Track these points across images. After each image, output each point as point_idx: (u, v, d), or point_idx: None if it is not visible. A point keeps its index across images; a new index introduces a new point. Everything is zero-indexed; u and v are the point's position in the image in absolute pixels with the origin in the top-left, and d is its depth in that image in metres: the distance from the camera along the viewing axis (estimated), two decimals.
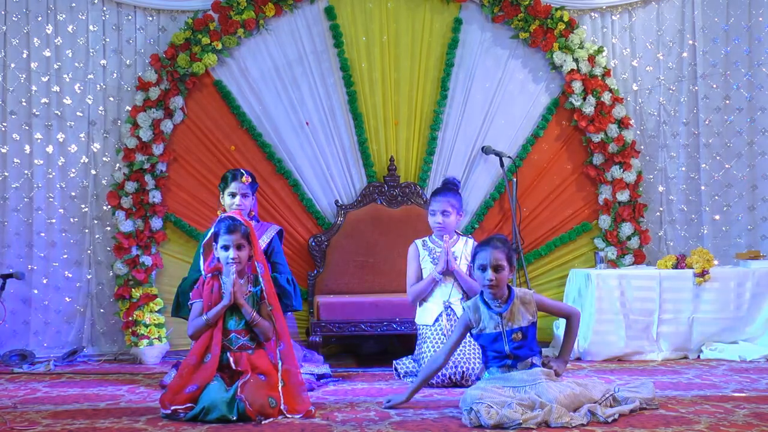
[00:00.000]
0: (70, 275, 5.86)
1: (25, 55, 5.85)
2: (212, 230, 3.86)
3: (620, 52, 6.36)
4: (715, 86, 6.29)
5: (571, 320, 3.86)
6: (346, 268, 5.90)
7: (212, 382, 3.55)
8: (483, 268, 3.64)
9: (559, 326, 5.56)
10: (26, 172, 5.85)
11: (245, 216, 4.56)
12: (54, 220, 5.86)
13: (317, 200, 6.09)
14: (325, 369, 4.69)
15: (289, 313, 4.81)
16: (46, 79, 5.87)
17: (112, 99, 5.96)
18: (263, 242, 4.56)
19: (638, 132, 6.29)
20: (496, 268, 3.62)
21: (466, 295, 4.64)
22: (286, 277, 4.53)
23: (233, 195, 4.53)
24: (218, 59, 5.93)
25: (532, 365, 3.64)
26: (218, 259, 3.79)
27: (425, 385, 3.91)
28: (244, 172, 4.58)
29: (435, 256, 4.71)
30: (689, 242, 6.25)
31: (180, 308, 4.51)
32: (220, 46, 5.90)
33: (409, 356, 4.75)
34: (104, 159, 5.94)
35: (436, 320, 4.60)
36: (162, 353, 5.65)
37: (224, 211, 4.46)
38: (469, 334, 3.78)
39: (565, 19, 6.15)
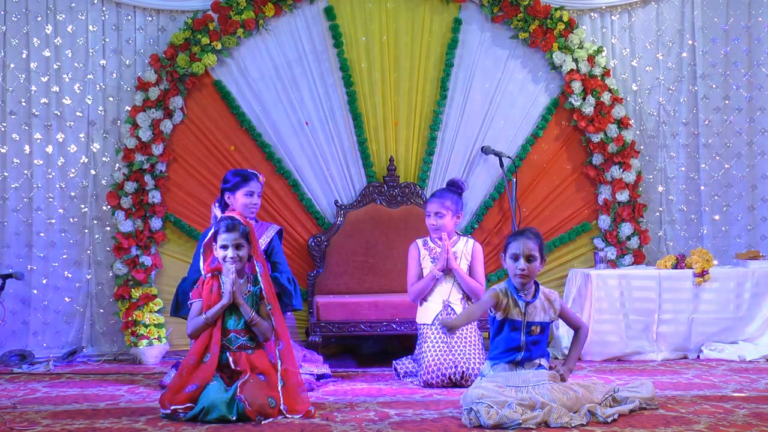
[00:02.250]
0: (70, 275, 5.86)
1: (24, 55, 5.85)
2: (212, 230, 3.86)
3: (620, 52, 6.37)
4: (714, 86, 6.30)
5: (580, 332, 3.88)
6: (346, 268, 5.90)
7: (212, 382, 3.54)
8: (515, 258, 3.67)
9: (559, 327, 5.56)
10: (26, 172, 5.85)
11: (254, 216, 4.61)
12: (53, 220, 5.86)
13: (317, 200, 6.09)
14: (324, 369, 4.69)
15: (289, 313, 4.81)
16: (45, 79, 5.86)
17: (111, 99, 5.96)
18: (263, 242, 4.58)
19: (638, 132, 6.29)
20: (529, 258, 3.65)
21: (466, 296, 4.65)
22: (287, 276, 4.54)
23: (251, 194, 4.57)
24: (218, 59, 5.93)
25: (539, 366, 3.65)
26: (218, 259, 3.79)
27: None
28: (257, 173, 4.68)
29: (435, 255, 4.71)
30: (689, 242, 6.25)
31: (179, 308, 4.52)
32: (219, 46, 5.90)
33: (409, 356, 4.76)
34: (104, 159, 5.94)
35: (436, 319, 4.60)
36: (162, 353, 5.65)
37: (233, 211, 4.50)
38: (490, 315, 3.76)
39: (565, 19, 6.15)
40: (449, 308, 4.62)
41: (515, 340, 3.67)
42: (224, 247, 3.74)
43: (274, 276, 4.46)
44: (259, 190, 4.62)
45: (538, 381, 3.51)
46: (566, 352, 5.34)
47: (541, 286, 3.77)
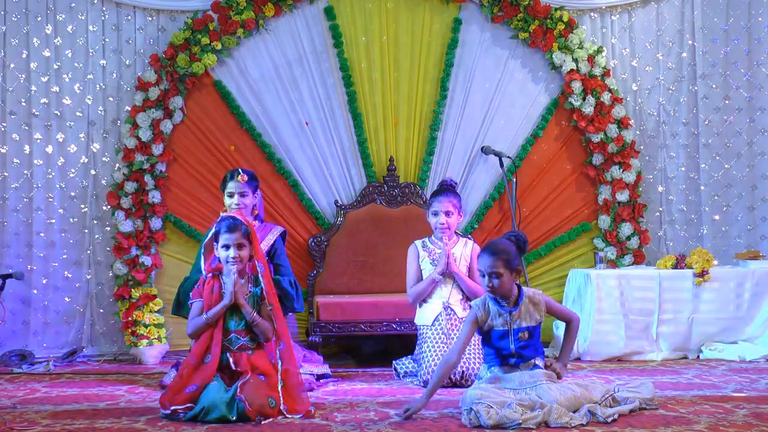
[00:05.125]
0: (70, 275, 5.86)
1: (24, 55, 5.85)
2: (213, 230, 3.85)
3: (620, 52, 6.37)
4: (714, 86, 6.30)
5: (572, 324, 3.86)
6: (346, 268, 5.90)
7: (212, 383, 3.54)
8: (482, 275, 3.67)
9: (559, 327, 5.56)
10: (26, 172, 5.85)
11: (247, 215, 4.55)
12: (53, 221, 5.85)
13: (317, 200, 6.09)
14: (324, 369, 4.68)
15: (291, 314, 4.80)
16: (45, 79, 5.86)
17: (111, 99, 5.96)
18: (267, 243, 4.56)
19: (638, 132, 6.29)
20: (492, 276, 3.62)
21: (466, 296, 4.64)
22: (289, 280, 4.52)
23: (231, 195, 4.52)
24: (218, 59, 5.93)
25: (534, 366, 3.65)
26: (219, 259, 3.79)
27: (439, 387, 3.77)
28: (241, 171, 4.57)
29: (434, 257, 4.70)
30: (689, 242, 6.25)
31: (181, 307, 4.50)
32: (219, 46, 5.90)
33: (409, 356, 4.75)
34: (104, 159, 5.94)
35: (435, 320, 4.59)
36: (162, 353, 5.65)
37: (225, 211, 4.47)
38: (477, 331, 3.77)
39: (565, 19, 6.15)
40: (449, 310, 4.61)
41: (504, 349, 3.66)
42: (226, 247, 3.74)
43: (276, 279, 4.45)
44: (239, 191, 4.50)
45: (534, 382, 3.51)
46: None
47: (524, 289, 3.73)
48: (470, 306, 3.87)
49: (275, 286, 4.25)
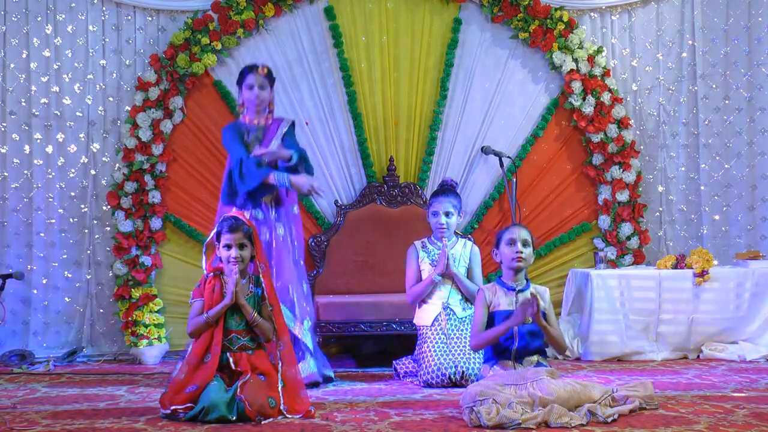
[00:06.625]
0: (70, 275, 5.86)
1: (24, 56, 5.85)
2: (215, 229, 3.85)
3: (620, 52, 6.36)
4: (714, 86, 6.30)
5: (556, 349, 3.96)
6: (346, 268, 5.90)
7: (212, 382, 3.54)
8: (512, 242, 3.83)
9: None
10: (26, 172, 5.85)
11: (264, 108, 4.53)
12: (53, 221, 5.85)
13: (317, 200, 6.09)
14: (328, 373, 4.60)
15: (302, 263, 4.65)
16: (45, 79, 5.86)
17: (111, 99, 5.96)
18: (280, 132, 4.52)
19: (638, 132, 6.29)
20: (524, 243, 3.83)
21: (465, 297, 4.64)
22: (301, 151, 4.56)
23: (251, 87, 4.52)
24: (218, 59, 5.93)
25: (538, 363, 3.67)
26: (220, 258, 3.79)
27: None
28: (259, 64, 4.59)
29: (434, 257, 4.70)
30: (689, 242, 6.25)
31: (232, 195, 4.43)
32: (219, 47, 5.90)
33: (409, 356, 4.76)
34: (104, 159, 5.94)
35: (435, 320, 4.59)
36: (161, 353, 5.65)
37: (242, 108, 4.55)
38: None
39: (565, 19, 6.15)
40: (449, 310, 4.61)
41: (508, 330, 3.74)
42: (227, 246, 3.74)
43: (296, 152, 4.44)
44: (260, 83, 4.49)
45: (536, 378, 3.52)
46: (558, 356, 5.27)
47: (531, 282, 3.91)
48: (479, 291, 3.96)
49: (299, 156, 4.38)
